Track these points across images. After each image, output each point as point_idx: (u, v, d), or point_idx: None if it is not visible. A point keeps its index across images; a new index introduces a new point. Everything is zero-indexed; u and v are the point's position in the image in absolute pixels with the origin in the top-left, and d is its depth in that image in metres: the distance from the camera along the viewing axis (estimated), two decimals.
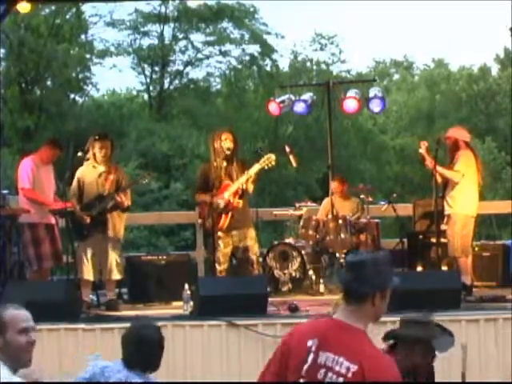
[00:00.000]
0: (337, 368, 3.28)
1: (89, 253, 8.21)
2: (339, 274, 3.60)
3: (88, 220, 8.18)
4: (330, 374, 3.28)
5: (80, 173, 8.39)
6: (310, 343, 3.36)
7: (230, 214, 8.28)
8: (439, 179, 8.43)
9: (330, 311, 7.14)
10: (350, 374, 3.25)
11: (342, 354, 3.30)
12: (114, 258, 8.25)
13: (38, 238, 8.53)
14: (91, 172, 8.34)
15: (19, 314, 3.70)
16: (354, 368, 3.25)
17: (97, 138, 8.38)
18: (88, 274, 8.20)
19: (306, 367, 3.34)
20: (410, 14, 52.85)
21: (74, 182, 8.38)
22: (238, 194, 8.27)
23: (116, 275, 8.28)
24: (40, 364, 3.62)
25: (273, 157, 8.21)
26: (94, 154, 8.35)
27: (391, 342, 4.34)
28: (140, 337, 4.55)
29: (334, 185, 10.00)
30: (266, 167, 8.23)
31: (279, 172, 23.73)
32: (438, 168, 8.26)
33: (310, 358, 3.34)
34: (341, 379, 3.25)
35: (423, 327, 4.36)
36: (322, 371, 3.30)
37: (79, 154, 8.45)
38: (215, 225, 8.15)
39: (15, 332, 3.64)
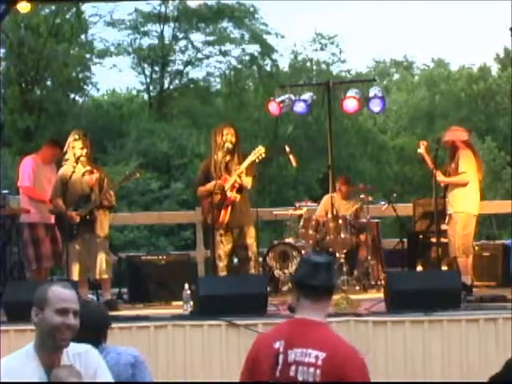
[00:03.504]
0: (306, 359, 3.41)
1: (77, 252, 8.19)
2: (305, 275, 3.64)
3: (78, 219, 8.17)
4: (300, 368, 3.41)
5: (62, 173, 8.35)
6: (277, 345, 3.48)
7: (229, 210, 8.30)
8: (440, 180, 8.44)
9: (329, 311, 7.17)
10: (319, 362, 3.39)
11: (310, 347, 3.42)
12: (103, 257, 8.24)
13: (37, 237, 8.54)
14: (73, 172, 8.27)
15: (62, 293, 3.53)
16: (322, 355, 3.39)
17: (76, 137, 8.35)
18: (74, 274, 8.18)
19: (278, 368, 3.45)
20: (410, 13, 52.90)
21: (57, 183, 8.33)
22: (235, 187, 8.30)
23: (105, 274, 8.25)
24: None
25: (262, 149, 8.34)
26: (74, 154, 8.31)
27: None
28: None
29: (338, 187, 10.03)
30: (257, 160, 8.30)
31: (279, 172, 23.72)
32: (444, 179, 8.31)
33: (280, 358, 3.45)
34: (312, 369, 3.39)
35: None
36: (293, 367, 3.43)
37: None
38: (215, 220, 8.15)
39: (53, 310, 3.47)
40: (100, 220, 8.31)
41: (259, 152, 8.32)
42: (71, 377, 3.40)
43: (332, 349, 3.42)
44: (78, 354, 3.55)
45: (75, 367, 3.45)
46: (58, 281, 3.70)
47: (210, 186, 8.29)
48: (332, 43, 31.26)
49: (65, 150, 8.41)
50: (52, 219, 8.66)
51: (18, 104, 24.28)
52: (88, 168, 8.34)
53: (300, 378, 3.40)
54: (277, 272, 9.14)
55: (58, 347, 3.48)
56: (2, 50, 23.29)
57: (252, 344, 3.64)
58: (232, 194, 8.30)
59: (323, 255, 3.67)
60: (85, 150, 8.32)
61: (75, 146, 8.31)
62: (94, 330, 4.26)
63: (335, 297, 7.67)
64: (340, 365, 3.38)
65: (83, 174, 8.30)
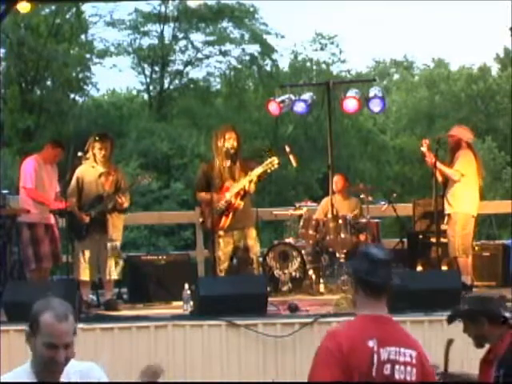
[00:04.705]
0: (402, 359, 3.45)
1: (86, 253, 8.21)
2: (377, 271, 3.60)
3: (87, 220, 8.18)
4: (397, 367, 3.44)
5: (79, 172, 8.38)
6: (371, 344, 3.45)
7: (230, 215, 8.28)
8: (439, 178, 8.44)
9: (330, 311, 7.17)
10: (414, 361, 3.46)
11: (401, 345, 3.48)
12: (112, 258, 8.25)
13: (36, 237, 8.53)
14: (91, 172, 8.34)
15: (52, 326, 3.18)
16: (414, 354, 3.48)
17: (97, 138, 8.38)
18: (84, 274, 8.19)
19: (374, 368, 3.42)
20: (410, 13, 52.94)
21: (73, 181, 8.36)
22: (240, 195, 8.27)
23: (114, 275, 8.27)
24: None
25: (276, 160, 8.24)
26: (94, 155, 8.35)
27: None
28: None
29: (335, 180, 9.97)
30: (269, 170, 8.25)
31: (279, 172, 23.67)
32: (438, 164, 8.26)
33: (375, 357, 3.44)
34: (409, 368, 3.45)
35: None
36: (388, 366, 3.43)
37: (79, 154, 8.44)
38: (216, 225, 8.14)
39: (42, 343, 3.18)
40: (112, 222, 8.31)
41: (272, 164, 8.23)
42: None
43: (419, 347, 3.53)
44: (80, 372, 3.34)
45: None
46: (55, 303, 3.29)
47: (208, 196, 8.24)
48: (332, 43, 31.32)
49: (86, 149, 8.43)
50: (51, 219, 8.66)
51: (17, 104, 24.30)
52: (105, 169, 8.35)
53: (397, 377, 3.42)
54: (277, 272, 9.14)
55: (51, 375, 3.24)
56: (2, 50, 23.34)
57: (332, 343, 3.44)
58: (236, 201, 8.27)
59: (382, 250, 3.64)
60: (103, 152, 8.34)
61: (94, 147, 8.35)
62: None
63: (335, 297, 7.68)
64: (425, 363, 3.52)
65: (100, 176, 8.32)
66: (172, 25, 27.57)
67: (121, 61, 34.38)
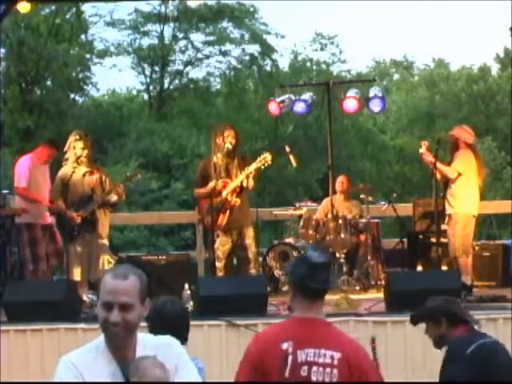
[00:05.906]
0: (320, 360, 3.39)
1: (78, 253, 8.20)
2: (314, 275, 3.55)
3: (79, 220, 8.17)
4: (314, 368, 3.38)
5: (63, 173, 8.35)
6: (284, 346, 3.42)
7: (228, 212, 8.30)
8: (439, 177, 8.43)
9: (329, 311, 7.17)
10: (335, 362, 3.38)
11: (321, 347, 3.40)
12: (105, 257, 8.27)
13: (34, 238, 8.52)
14: (74, 172, 8.30)
15: (109, 283, 2.97)
16: (338, 355, 3.38)
17: (78, 138, 8.36)
18: (76, 274, 8.19)
19: (288, 369, 3.39)
20: (410, 13, 52.96)
21: (57, 183, 8.35)
22: (236, 191, 8.29)
23: None
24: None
25: (269, 156, 8.28)
26: (75, 154, 8.32)
27: None
28: (159, 313, 4.21)
29: (340, 180, 10.00)
30: (263, 166, 8.28)
31: (279, 172, 23.71)
32: (438, 164, 8.24)
33: (289, 359, 3.40)
34: (328, 369, 3.38)
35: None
36: (305, 368, 3.39)
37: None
38: (214, 223, 8.15)
39: (101, 303, 2.99)
40: (101, 220, 8.32)
41: (265, 159, 8.27)
42: (155, 368, 2.96)
43: (346, 349, 3.44)
44: (157, 347, 3.08)
45: (158, 358, 3.01)
46: (121, 264, 3.15)
47: (208, 189, 8.26)
48: (332, 43, 31.30)
49: (65, 149, 8.42)
50: (48, 219, 8.65)
51: (18, 104, 24.29)
52: (89, 169, 8.35)
53: (314, 379, 3.38)
54: (277, 272, 9.14)
55: (111, 343, 3.01)
56: (2, 50, 23.29)
57: (252, 343, 3.53)
58: (233, 199, 8.29)
59: (320, 252, 3.57)
60: (86, 151, 8.33)
61: (76, 147, 8.33)
62: (170, 332, 4.00)
63: (335, 297, 7.67)
64: (356, 365, 3.41)
65: (84, 175, 8.32)
66: (172, 25, 27.56)
67: (121, 61, 34.42)
